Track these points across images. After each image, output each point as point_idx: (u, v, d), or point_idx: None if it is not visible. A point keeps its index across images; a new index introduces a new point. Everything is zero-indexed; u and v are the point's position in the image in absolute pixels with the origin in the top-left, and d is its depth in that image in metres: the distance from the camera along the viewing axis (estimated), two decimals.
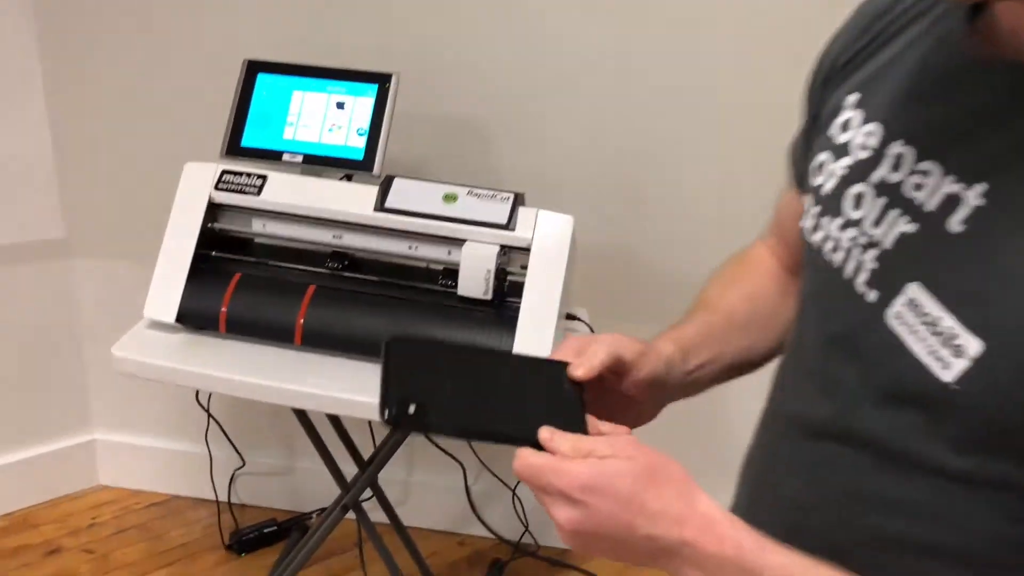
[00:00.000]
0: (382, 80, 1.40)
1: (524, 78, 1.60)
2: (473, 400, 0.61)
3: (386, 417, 0.59)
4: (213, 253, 1.40)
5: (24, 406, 1.93)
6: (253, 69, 1.43)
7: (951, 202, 0.53)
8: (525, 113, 1.62)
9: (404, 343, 0.64)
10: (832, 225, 0.63)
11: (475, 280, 1.32)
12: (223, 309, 1.33)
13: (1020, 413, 0.49)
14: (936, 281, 0.53)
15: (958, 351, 0.51)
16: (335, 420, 1.60)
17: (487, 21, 1.57)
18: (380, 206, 1.35)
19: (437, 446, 1.85)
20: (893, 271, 0.57)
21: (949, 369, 0.51)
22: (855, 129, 0.64)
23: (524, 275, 1.32)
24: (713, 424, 1.75)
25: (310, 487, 1.98)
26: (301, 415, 1.49)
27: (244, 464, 1.94)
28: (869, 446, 0.58)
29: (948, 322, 0.51)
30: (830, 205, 0.64)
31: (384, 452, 1.48)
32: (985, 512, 0.53)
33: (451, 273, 1.36)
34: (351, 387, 1.27)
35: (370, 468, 1.52)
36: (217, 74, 1.51)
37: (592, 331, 1.49)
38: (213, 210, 1.39)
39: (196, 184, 1.39)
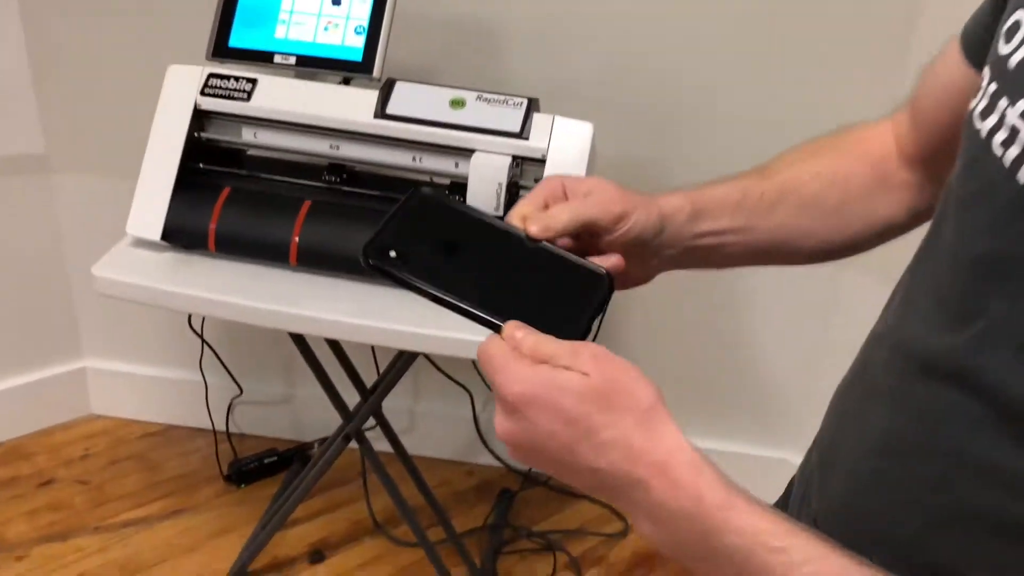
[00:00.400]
0: None
1: None
2: (466, 268, 0.54)
3: (362, 255, 0.53)
4: (200, 165, 1.29)
5: (8, 332, 1.84)
6: None
7: None
8: (541, 16, 1.48)
9: (427, 197, 0.56)
10: (1013, 111, 0.47)
11: (485, 194, 1.21)
12: (212, 225, 1.23)
13: None
14: None
15: None
16: (335, 346, 1.51)
17: None
18: (381, 112, 1.23)
19: (444, 373, 1.77)
20: None
21: None
22: None
23: None
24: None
25: (311, 415, 1.91)
26: (299, 340, 1.40)
27: (241, 392, 1.86)
28: (995, 401, 0.46)
29: None
30: (1015, 83, 0.48)
31: (388, 379, 1.40)
32: None
33: (459, 187, 1.25)
34: (351, 310, 1.18)
35: (373, 396, 1.43)
36: None
37: None
38: (199, 118, 1.27)
39: (180, 89, 1.27)
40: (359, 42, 1.27)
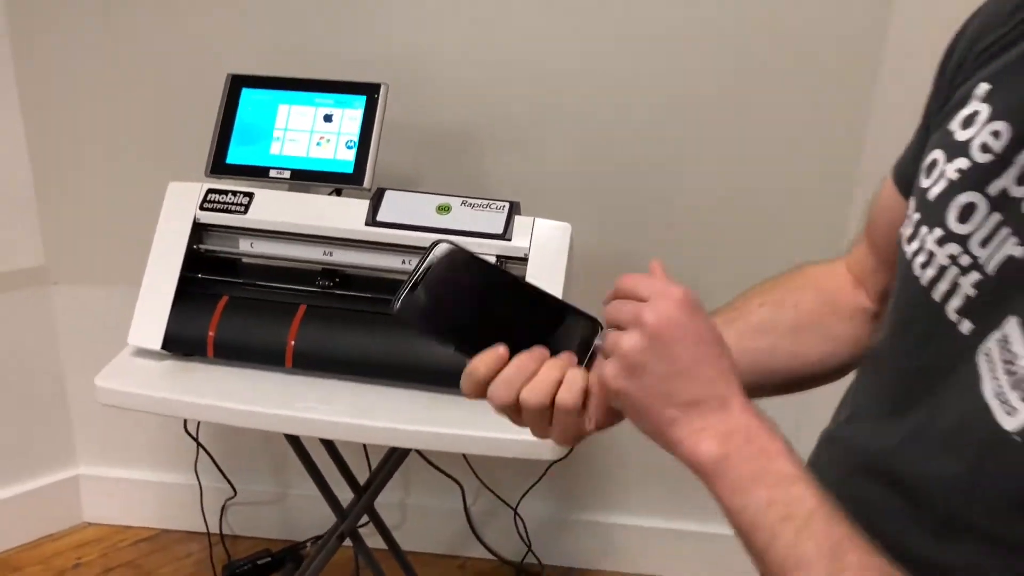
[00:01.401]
0: (370, 91, 1.36)
1: (516, 85, 1.56)
2: (484, 320, 0.61)
3: (395, 309, 0.61)
4: (199, 275, 1.35)
5: (3, 443, 1.86)
6: (237, 84, 1.39)
7: None
8: (518, 121, 1.58)
9: (450, 252, 0.62)
10: (930, 237, 0.55)
11: None
12: (210, 333, 1.28)
13: None
14: None
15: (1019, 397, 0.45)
16: (329, 445, 1.54)
17: (478, 28, 1.53)
18: (371, 220, 1.31)
19: (434, 466, 1.79)
20: (992, 301, 0.50)
21: (1014, 416, 0.46)
22: (980, 126, 0.54)
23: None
24: None
25: (304, 515, 1.92)
26: (293, 441, 1.43)
27: (235, 494, 1.87)
28: (923, 499, 0.52)
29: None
30: (932, 213, 0.55)
31: (381, 476, 1.43)
32: None
33: None
34: (344, 410, 1.22)
35: (367, 493, 1.46)
36: (200, 89, 1.47)
37: None
38: (198, 231, 1.34)
39: (180, 204, 1.34)
40: (350, 155, 1.35)
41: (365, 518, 1.54)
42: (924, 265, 0.55)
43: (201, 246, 1.35)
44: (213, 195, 1.34)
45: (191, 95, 1.57)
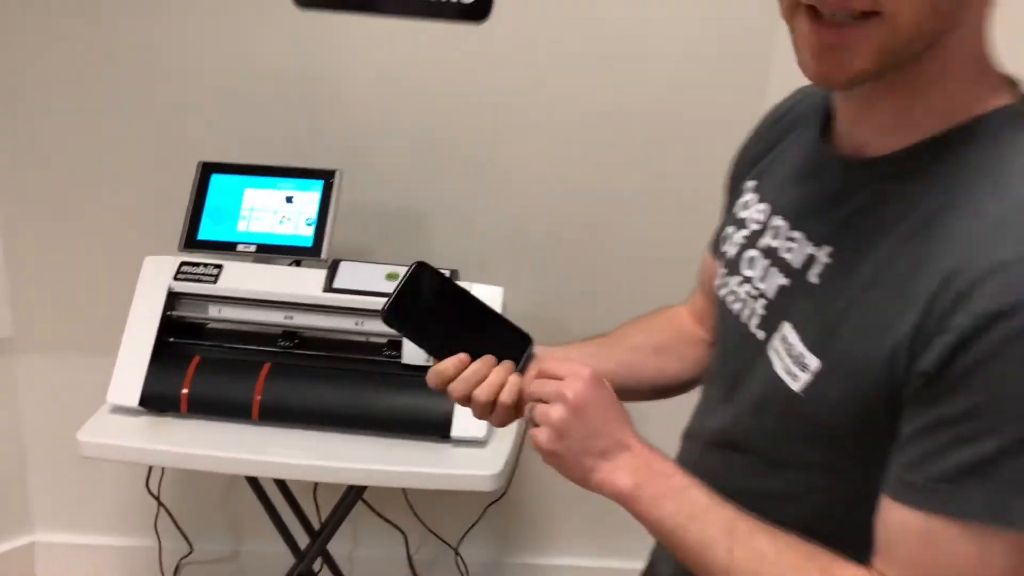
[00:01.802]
0: (327, 176, 1.56)
1: (455, 167, 1.78)
2: (449, 327, 0.84)
3: (384, 317, 0.82)
4: (171, 339, 1.50)
5: None
6: (207, 170, 1.58)
7: (810, 260, 0.71)
8: (456, 199, 1.79)
9: (425, 272, 0.83)
10: (733, 282, 0.81)
11: (417, 349, 1.46)
12: (184, 391, 1.43)
13: (845, 417, 0.66)
14: (799, 319, 0.71)
15: (804, 367, 0.68)
16: (287, 494, 1.68)
17: (419, 119, 1.75)
18: (328, 287, 1.49)
19: (379, 515, 1.93)
20: (774, 315, 0.74)
21: (797, 381, 0.69)
22: (751, 208, 0.82)
23: None
24: None
25: (257, 572, 2.03)
26: (255, 486, 1.57)
27: (192, 550, 1.97)
28: (751, 451, 0.76)
29: (800, 348, 0.69)
30: (732, 267, 0.82)
31: (335, 519, 1.57)
32: (835, 498, 0.70)
33: (394, 344, 1.50)
34: (301, 454, 1.38)
35: (322, 535, 1.60)
36: (169, 172, 1.65)
37: None
38: (172, 298, 1.50)
39: (156, 275, 1.50)
40: (309, 231, 1.54)
41: (319, 565, 1.67)
42: (734, 301, 0.81)
43: (174, 312, 1.51)
44: (186, 267, 1.51)
45: (161, 177, 1.74)
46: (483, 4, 1.64)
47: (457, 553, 1.96)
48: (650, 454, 0.74)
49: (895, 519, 0.63)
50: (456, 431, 1.40)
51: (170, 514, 1.90)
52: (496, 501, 1.84)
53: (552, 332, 1.58)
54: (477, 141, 1.77)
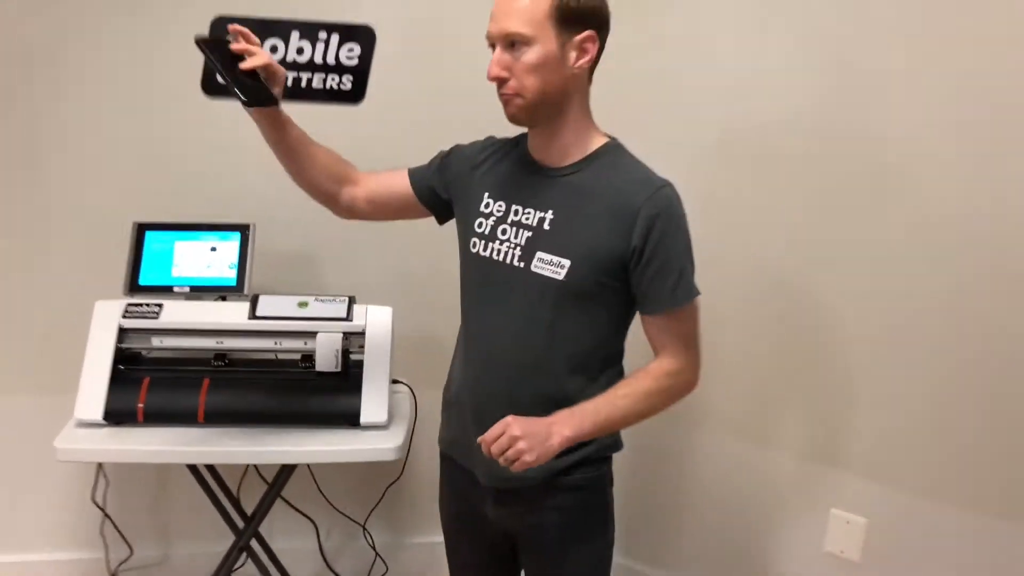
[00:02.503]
0: (243, 229, 1.97)
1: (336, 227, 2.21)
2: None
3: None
4: (121, 367, 1.85)
5: None
6: (142, 228, 1.95)
7: (542, 220, 1.29)
8: (347, 241, 2.22)
9: (204, 43, 1.37)
10: (492, 244, 1.35)
11: (328, 358, 1.89)
12: (140, 405, 1.79)
13: (593, 284, 1.25)
14: (545, 246, 1.28)
15: (561, 266, 1.25)
16: (221, 485, 2.04)
17: None
18: (252, 315, 1.88)
19: (292, 506, 2.30)
20: (527, 251, 1.30)
21: (559, 274, 1.25)
22: (492, 205, 1.37)
23: (362, 353, 1.90)
24: None
25: (188, 571, 2.36)
26: (196, 475, 1.94)
27: (132, 554, 2.28)
28: (529, 327, 1.31)
29: (556, 258, 1.26)
30: (490, 237, 1.36)
31: (268, 500, 1.96)
32: (595, 331, 1.30)
33: (307, 358, 1.91)
34: (245, 444, 1.77)
35: (256, 517, 1.98)
36: (106, 227, 2.01)
37: (412, 392, 2.08)
38: (121, 333, 1.86)
39: (107, 316, 1.86)
40: (232, 273, 1.94)
41: (242, 560, 2.04)
42: (497, 254, 1.35)
43: (123, 344, 1.87)
44: (132, 307, 1.88)
45: (99, 232, 2.08)
46: (359, 90, 2.10)
47: (365, 529, 2.36)
48: (564, 413, 1.25)
49: (659, 323, 1.33)
50: (364, 418, 1.83)
51: (113, 523, 2.21)
52: (395, 481, 2.27)
53: (424, 340, 1.99)
54: None
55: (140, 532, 2.31)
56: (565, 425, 1.22)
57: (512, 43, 1.24)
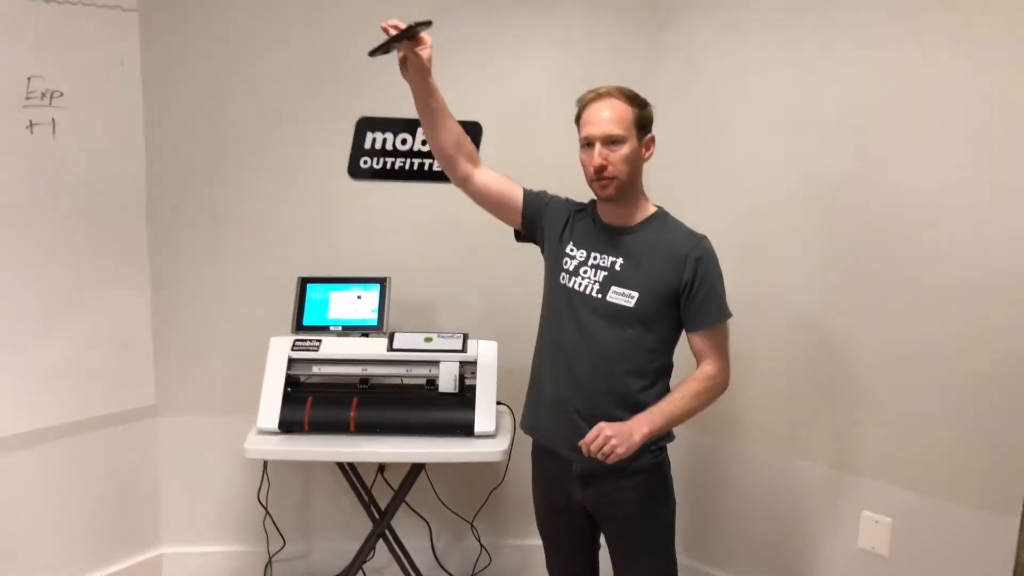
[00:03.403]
0: (382, 281, 2.51)
1: (452, 275, 2.75)
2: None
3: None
4: (289, 389, 2.40)
5: (109, 530, 2.73)
6: (304, 281, 2.51)
7: (614, 263, 1.79)
8: (460, 290, 2.76)
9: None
10: (575, 279, 1.84)
11: (448, 382, 2.40)
12: (306, 416, 2.33)
13: (650, 310, 1.76)
14: (618, 283, 1.78)
15: (632, 297, 1.76)
16: (362, 483, 2.55)
17: (427, 240, 2.73)
18: (390, 348, 2.41)
19: (410, 507, 2.80)
20: (604, 286, 1.79)
21: (630, 303, 1.74)
22: (576, 251, 1.88)
23: (475, 378, 2.40)
24: None
25: (323, 565, 2.86)
26: (345, 474, 2.45)
27: (284, 545, 2.80)
28: (603, 343, 1.78)
29: (628, 291, 1.76)
30: (574, 273, 1.85)
31: (399, 496, 2.46)
32: (653, 346, 1.78)
33: (431, 381, 2.42)
34: (386, 447, 2.28)
35: (390, 509, 2.48)
36: (276, 283, 2.59)
37: (511, 411, 2.56)
38: (290, 363, 2.41)
39: (279, 349, 2.41)
40: (374, 316, 2.48)
41: (372, 554, 2.53)
42: (578, 287, 1.86)
43: (291, 372, 2.41)
44: (298, 342, 2.43)
45: (277, 280, 2.67)
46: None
47: (472, 525, 2.84)
48: (640, 415, 1.73)
49: (703, 337, 1.82)
50: (478, 429, 2.32)
51: (272, 518, 2.74)
52: (498, 485, 2.75)
53: (515, 369, 2.41)
54: (461, 255, 2.76)
55: (291, 528, 2.83)
56: (643, 423, 1.70)
57: (612, 141, 1.76)
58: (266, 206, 2.69)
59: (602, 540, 1.99)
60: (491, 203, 1.96)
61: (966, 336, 2.21)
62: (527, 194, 1.96)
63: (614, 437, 1.65)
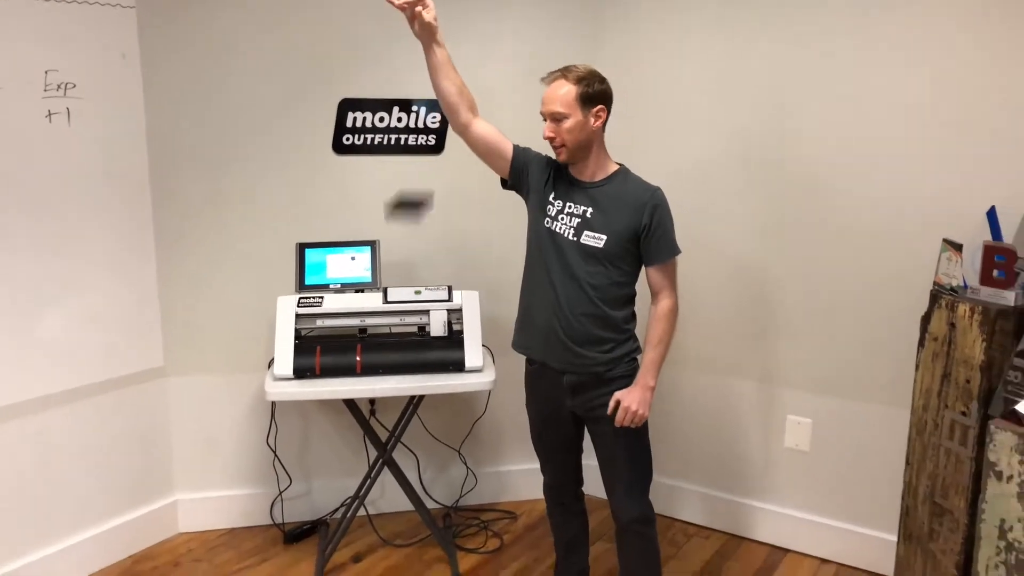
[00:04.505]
0: (373, 243, 2.86)
1: (428, 240, 3.11)
2: None
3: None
4: (298, 341, 2.73)
5: (127, 483, 3.02)
6: (302, 247, 2.84)
7: (585, 211, 2.21)
8: (439, 250, 3.12)
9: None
10: (556, 223, 2.24)
11: (439, 327, 2.77)
12: (317, 361, 2.67)
13: (618, 250, 2.18)
14: (588, 227, 2.19)
15: (600, 239, 2.18)
16: (362, 419, 2.91)
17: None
18: (384, 300, 2.77)
19: (401, 443, 3.17)
20: (578, 230, 2.19)
21: (599, 244, 2.16)
22: (555, 201, 2.27)
23: (461, 323, 2.79)
24: None
25: (321, 500, 3.21)
26: (352, 409, 2.81)
27: (291, 483, 3.14)
28: (581, 276, 2.20)
29: (597, 235, 2.17)
30: (555, 218, 2.25)
31: (401, 427, 2.83)
32: (621, 278, 2.21)
33: (422, 329, 2.80)
34: (388, 383, 2.65)
35: (392, 439, 2.85)
36: (278, 245, 2.91)
37: (491, 353, 2.95)
38: (297, 318, 2.74)
39: (287, 306, 2.74)
40: (368, 273, 2.84)
41: (367, 488, 2.90)
42: (560, 231, 2.24)
43: (298, 326, 2.74)
44: (303, 299, 2.76)
45: (275, 249, 2.97)
46: (440, 144, 3.01)
47: (459, 452, 3.24)
48: (641, 375, 2.21)
49: (657, 272, 2.25)
50: (468, 364, 2.71)
51: (279, 460, 3.08)
52: (481, 416, 3.15)
53: (501, 323, 2.79)
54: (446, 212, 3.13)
55: (294, 469, 3.17)
56: (646, 378, 2.19)
57: (556, 118, 2.16)
58: (260, 181, 2.99)
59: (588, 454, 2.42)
60: (485, 151, 2.31)
61: (871, 270, 2.72)
62: (516, 148, 2.33)
63: (632, 405, 2.17)
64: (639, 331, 2.27)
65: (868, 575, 2.84)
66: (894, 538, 2.62)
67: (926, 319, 2.42)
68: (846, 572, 2.87)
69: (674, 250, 2.23)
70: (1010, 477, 2.03)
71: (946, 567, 2.33)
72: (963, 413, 2.27)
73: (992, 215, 2.44)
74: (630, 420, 2.17)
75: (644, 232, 2.19)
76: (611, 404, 2.19)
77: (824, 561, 2.93)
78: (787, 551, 3.00)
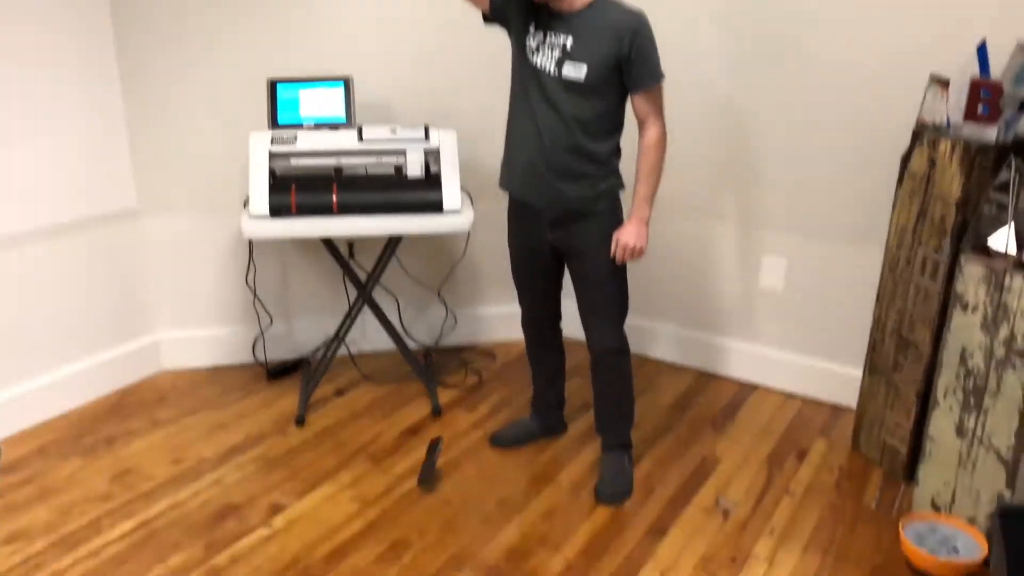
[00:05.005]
0: (346, 80, 2.76)
1: (404, 76, 3.01)
2: None
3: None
4: (271, 181, 2.68)
5: (105, 322, 3.04)
6: (274, 83, 2.74)
7: (566, 40, 2.13)
8: (415, 89, 3.03)
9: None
10: (537, 56, 2.18)
11: (415, 167, 2.73)
12: (292, 200, 2.64)
13: (600, 80, 2.13)
14: (569, 58, 2.12)
15: (581, 70, 2.12)
16: (341, 259, 2.92)
17: (404, 39, 2.97)
18: (359, 139, 2.71)
19: (380, 284, 3.20)
20: (558, 63, 2.13)
21: (580, 75, 2.11)
22: (536, 33, 2.20)
23: (438, 165, 2.74)
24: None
25: (303, 339, 3.26)
26: (331, 249, 2.81)
27: (272, 322, 3.18)
28: (564, 110, 2.16)
29: (578, 63, 2.11)
30: (536, 51, 2.19)
31: (380, 267, 2.84)
32: (604, 110, 2.17)
33: (398, 170, 2.75)
34: (366, 223, 2.63)
35: (373, 277, 2.87)
36: (252, 83, 2.81)
37: (470, 195, 2.93)
38: (270, 156, 2.68)
39: (260, 143, 2.68)
40: (342, 111, 2.76)
41: (353, 334, 2.93)
42: (541, 66, 2.19)
43: (272, 165, 2.69)
44: (276, 136, 2.69)
45: (245, 86, 2.88)
46: None
47: (439, 295, 3.28)
48: (634, 211, 2.23)
49: (641, 99, 2.21)
50: (446, 205, 2.69)
51: (259, 300, 3.10)
52: (461, 259, 3.16)
53: (474, 160, 2.74)
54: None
55: (274, 307, 3.20)
56: (640, 212, 2.20)
57: None
58: (229, 8, 2.85)
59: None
60: None
61: (843, 115, 2.68)
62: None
63: (630, 241, 2.21)
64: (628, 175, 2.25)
65: (832, 407, 2.96)
66: (860, 372, 2.72)
67: (906, 158, 2.41)
68: (811, 404, 3.00)
69: (657, 76, 2.18)
70: (975, 307, 2.08)
71: (907, 395, 2.43)
72: (935, 250, 2.30)
73: (982, 51, 2.38)
74: (629, 255, 2.23)
75: (626, 58, 2.13)
76: (612, 246, 2.23)
77: (790, 396, 3.05)
78: (756, 387, 3.11)
